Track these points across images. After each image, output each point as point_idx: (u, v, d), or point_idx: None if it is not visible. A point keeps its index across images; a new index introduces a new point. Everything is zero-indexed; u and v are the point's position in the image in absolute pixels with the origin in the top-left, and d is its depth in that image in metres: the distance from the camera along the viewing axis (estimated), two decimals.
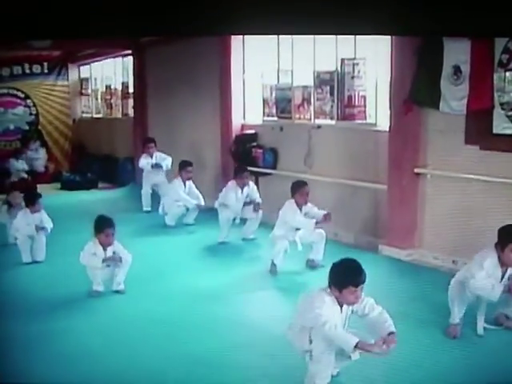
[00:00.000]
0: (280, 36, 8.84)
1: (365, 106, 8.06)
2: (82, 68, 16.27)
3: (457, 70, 6.43)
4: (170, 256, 7.51)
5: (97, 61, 15.27)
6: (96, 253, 5.88)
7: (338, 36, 7.86)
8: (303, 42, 8.70)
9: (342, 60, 8.10)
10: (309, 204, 6.72)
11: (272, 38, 9.14)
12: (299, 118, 9.00)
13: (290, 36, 8.66)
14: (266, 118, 9.69)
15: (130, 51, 13.27)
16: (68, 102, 16.08)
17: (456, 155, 6.70)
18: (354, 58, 8.03)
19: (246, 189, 8.14)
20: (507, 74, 6.04)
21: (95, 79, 15.90)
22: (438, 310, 5.15)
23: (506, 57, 6.01)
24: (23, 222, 7.16)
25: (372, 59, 7.88)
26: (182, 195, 9.03)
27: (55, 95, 15.84)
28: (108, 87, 15.18)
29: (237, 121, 10.06)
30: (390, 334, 3.69)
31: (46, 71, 15.64)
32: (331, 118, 8.44)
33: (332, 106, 8.37)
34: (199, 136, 11.21)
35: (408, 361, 4.35)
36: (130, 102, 13.95)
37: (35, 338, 4.87)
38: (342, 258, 3.92)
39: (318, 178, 8.34)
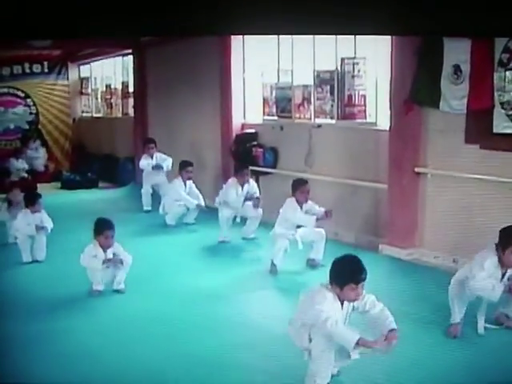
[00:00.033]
0: (280, 35, 8.84)
1: (365, 106, 8.07)
2: (82, 67, 16.28)
3: (457, 70, 6.43)
4: (170, 255, 7.51)
5: (97, 60, 15.28)
6: (96, 255, 5.88)
7: (338, 36, 7.85)
8: (303, 41, 8.70)
9: (342, 59, 8.10)
10: (309, 202, 6.73)
11: (272, 38, 9.13)
12: (299, 118, 9.00)
13: (290, 35, 8.65)
14: (266, 118, 9.69)
15: (130, 50, 13.28)
16: (68, 101, 16.09)
17: (456, 155, 6.70)
18: (354, 58, 8.02)
19: (246, 186, 8.14)
20: (507, 73, 6.04)
21: (95, 78, 15.91)
22: (438, 309, 5.15)
23: (507, 56, 6.01)
24: (23, 222, 7.15)
25: (372, 58, 7.89)
26: (183, 195, 9.03)
27: (55, 94, 15.85)
28: (108, 86, 15.19)
29: (237, 120, 10.06)
30: (391, 330, 3.69)
31: (46, 70, 15.64)
32: (331, 118, 8.44)
33: (332, 106, 8.37)
34: (199, 135, 11.21)
35: (408, 360, 4.35)
36: (130, 101, 13.95)
37: (35, 338, 4.87)
38: (344, 254, 3.92)
39: (319, 177, 8.34)
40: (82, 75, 16.37)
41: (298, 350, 3.95)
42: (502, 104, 6.11)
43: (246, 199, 8.07)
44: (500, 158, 6.24)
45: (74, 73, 16.22)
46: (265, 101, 9.68)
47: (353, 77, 8.05)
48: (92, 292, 5.92)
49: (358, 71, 8.01)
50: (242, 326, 5.16)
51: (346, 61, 8.07)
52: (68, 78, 16.03)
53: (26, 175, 13.78)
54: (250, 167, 8.72)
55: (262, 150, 9.53)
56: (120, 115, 14.68)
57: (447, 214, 6.83)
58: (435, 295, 5.50)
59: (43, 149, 15.33)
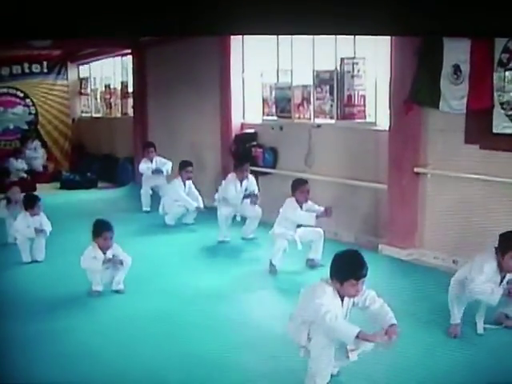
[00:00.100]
0: (279, 35, 8.84)
1: (364, 106, 8.07)
2: (81, 67, 16.28)
3: (457, 70, 6.43)
4: (170, 255, 7.51)
5: (96, 60, 15.27)
6: (96, 256, 5.87)
7: (338, 36, 7.85)
8: (303, 41, 8.70)
9: (342, 59, 8.10)
10: (309, 202, 6.73)
11: (271, 38, 9.13)
12: (299, 118, 9.00)
13: (289, 35, 8.65)
14: (265, 118, 9.69)
15: (129, 51, 13.28)
16: (67, 101, 16.10)
17: (456, 155, 6.70)
18: (354, 58, 8.02)
19: (245, 182, 8.15)
20: (507, 73, 6.04)
21: (95, 79, 15.91)
22: (438, 309, 5.14)
23: (506, 56, 6.01)
24: (23, 225, 7.14)
25: (372, 58, 7.88)
26: (182, 195, 9.03)
27: (54, 95, 15.85)
28: (107, 87, 15.19)
29: (236, 120, 10.06)
30: (392, 325, 3.69)
31: (45, 71, 15.65)
32: (331, 118, 8.44)
33: (332, 106, 8.37)
34: (199, 136, 11.21)
35: (409, 360, 4.36)
36: (130, 101, 13.95)
37: (35, 338, 4.87)
38: (345, 249, 3.92)
39: (318, 177, 8.34)
40: (82, 75, 16.36)
41: (297, 349, 3.95)
42: (501, 104, 6.11)
43: (245, 197, 8.08)
44: (500, 157, 6.24)
45: (73, 73, 16.22)
46: (264, 101, 9.68)
47: (352, 77, 8.05)
48: (91, 292, 5.91)
49: (358, 71, 8.01)
50: (242, 326, 5.16)
51: (345, 61, 8.07)
52: (67, 78, 16.04)
53: (25, 175, 13.77)
54: (250, 167, 8.72)
55: (261, 150, 9.53)
56: (119, 115, 14.68)
57: (447, 214, 6.83)
58: (435, 295, 5.50)
59: (42, 149, 15.33)
